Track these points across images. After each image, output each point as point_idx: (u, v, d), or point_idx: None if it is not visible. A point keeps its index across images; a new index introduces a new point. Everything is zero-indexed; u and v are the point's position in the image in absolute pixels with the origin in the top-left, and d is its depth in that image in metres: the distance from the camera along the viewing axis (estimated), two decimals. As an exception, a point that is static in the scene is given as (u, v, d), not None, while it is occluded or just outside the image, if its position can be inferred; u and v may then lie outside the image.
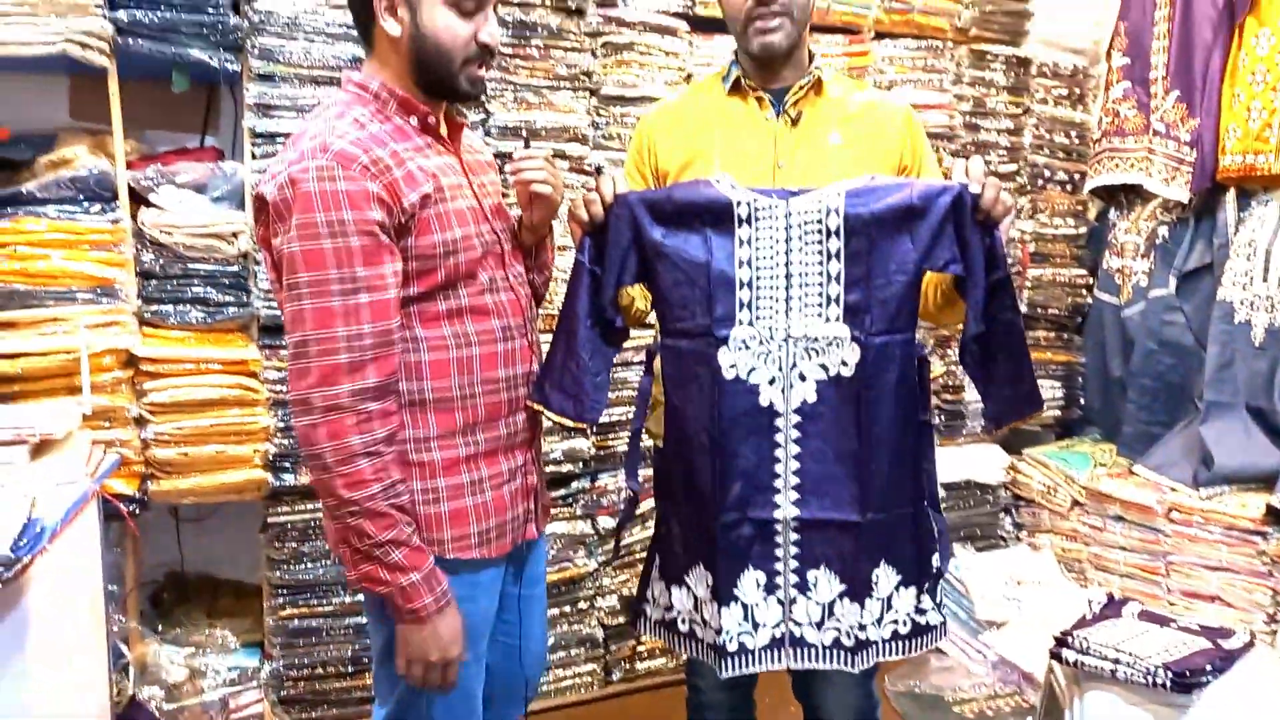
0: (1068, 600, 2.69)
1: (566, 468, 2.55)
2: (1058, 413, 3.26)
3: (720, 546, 1.47)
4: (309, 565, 2.29)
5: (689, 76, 2.66)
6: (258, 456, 2.21)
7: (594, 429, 2.58)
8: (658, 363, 1.56)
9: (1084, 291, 3.23)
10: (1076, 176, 3.21)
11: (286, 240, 1.28)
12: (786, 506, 1.46)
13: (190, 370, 2.15)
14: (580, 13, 2.51)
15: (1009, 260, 2.56)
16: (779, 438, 1.45)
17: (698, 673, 1.83)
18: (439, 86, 1.40)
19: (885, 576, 1.49)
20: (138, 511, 2.13)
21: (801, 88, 1.61)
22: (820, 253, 1.41)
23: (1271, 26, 2.61)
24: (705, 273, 1.42)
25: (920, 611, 1.51)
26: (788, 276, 1.42)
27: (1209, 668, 1.79)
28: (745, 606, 1.48)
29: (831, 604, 1.47)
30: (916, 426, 1.48)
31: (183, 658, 2.27)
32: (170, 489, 2.15)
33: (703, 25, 2.68)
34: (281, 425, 2.24)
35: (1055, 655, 1.91)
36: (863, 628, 1.47)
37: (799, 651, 1.48)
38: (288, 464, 2.25)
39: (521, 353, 1.50)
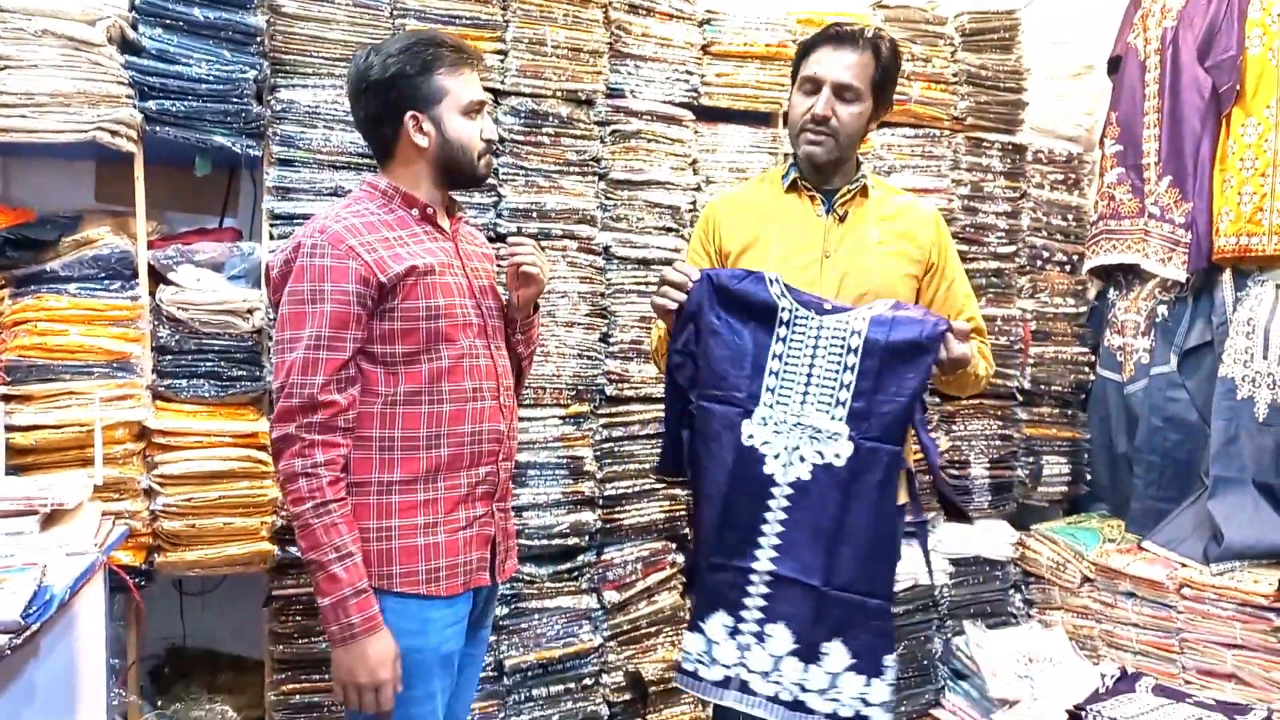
0: (1081, 678, 2.64)
1: (572, 541, 2.55)
2: (1065, 489, 3.25)
3: (704, 583, 1.73)
4: (313, 640, 2.28)
5: (694, 162, 2.76)
6: (264, 529, 2.22)
7: (602, 503, 2.60)
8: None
9: (1086, 369, 3.26)
10: (1075, 257, 3.27)
11: (281, 304, 1.59)
12: (764, 561, 1.70)
13: (201, 443, 2.18)
14: (589, 103, 2.62)
15: (1014, 340, 3.04)
16: (771, 503, 1.70)
17: None
18: (462, 177, 1.72)
19: (837, 654, 1.69)
20: (143, 584, 2.13)
21: (849, 191, 1.88)
22: (839, 364, 1.69)
23: (1258, 116, 2.71)
24: (748, 357, 1.71)
25: (866, 704, 1.68)
26: (809, 376, 1.70)
27: (1228, 745, 1.76)
28: (708, 641, 1.73)
29: (780, 659, 1.69)
30: (891, 527, 1.71)
31: (181, 735, 2.24)
32: (176, 561, 2.16)
33: (707, 114, 2.79)
34: (289, 498, 2.25)
35: (1071, 729, 1.88)
36: (804, 689, 1.68)
37: (744, 697, 1.71)
38: (294, 536, 2.25)
39: (490, 413, 1.70)
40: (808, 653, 1.68)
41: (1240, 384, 2.70)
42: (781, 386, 1.70)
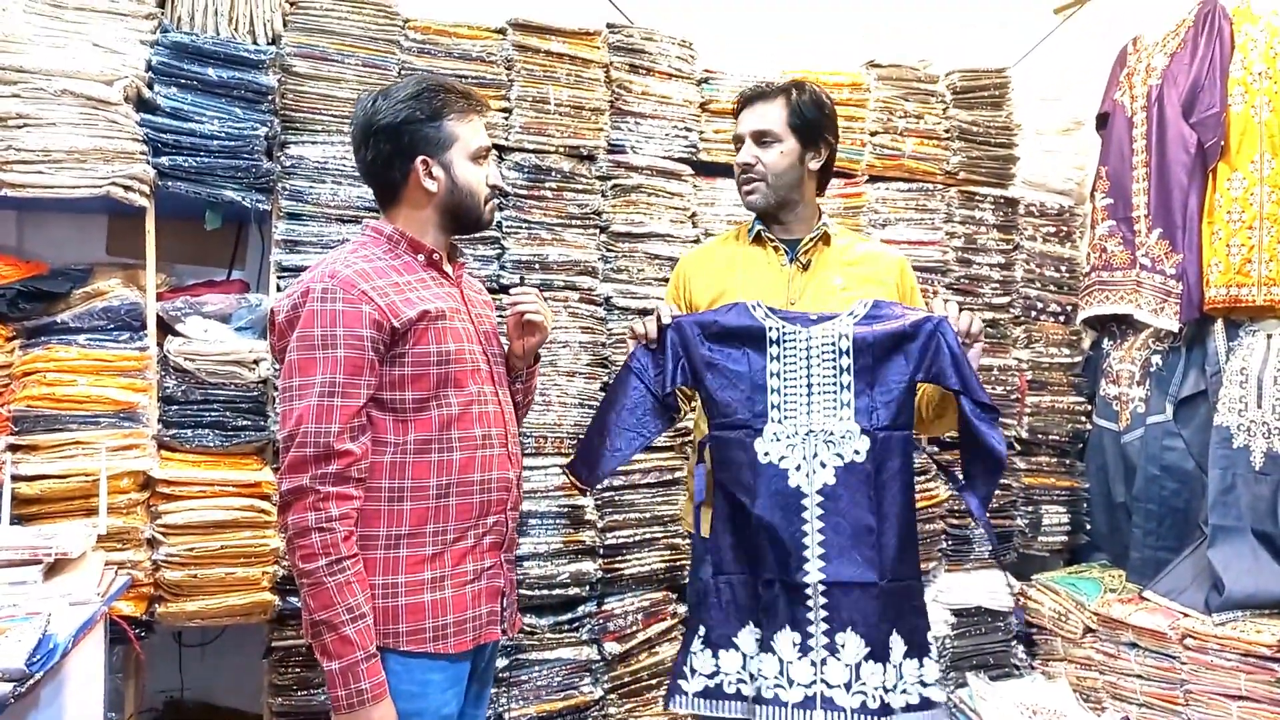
0: (1086, 732, 2.62)
1: (573, 591, 2.54)
2: (1065, 538, 3.25)
3: (763, 605, 1.75)
4: (312, 692, 2.26)
5: (693, 215, 2.82)
6: (266, 579, 2.22)
7: (603, 552, 2.60)
8: (708, 452, 1.86)
9: (1083, 418, 3.28)
10: (1069, 308, 3.31)
11: (290, 350, 1.53)
12: (814, 571, 1.73)
13: (204, 492, 2.19)
14: (591, 158, 2.68)
15: (1011, 390, 3.08)
16: (805, 514, 1.75)
17: None
18: (469, 223, 1.71)
19: (896, 644, 1.74)
20: (143, 635, 2.13)
21: (811, 240, 1.98)
22: (834, 368, 1.78)
23: (1243, 170, 2.76)
24: (746, 380, 1.79)
25: (924, 685, 1.73)
26: (809, 386, 1.78)
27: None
28: (781, 662, 1.73)
29: (858, 666, 1.71)
30: (914, 509, 1.79)
31: (177, 792, 2.21)
32: (178, 611, 2.15)
33: (705, 169, 2.86)
34: (291, 548, 2.25)
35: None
36: (886, 690, 1.70)
37: (830, 714, 1.70)
38: (295, 587, 2.25)
39: (499, 461, 1.67)
40: (881, 652, 1.71)
41: (1236, 433, 2.72)
42: (785, 402, 1.78)
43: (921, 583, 1.80)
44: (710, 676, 1.78)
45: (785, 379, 1.79)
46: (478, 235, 2.24)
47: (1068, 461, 3.29)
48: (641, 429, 1.85)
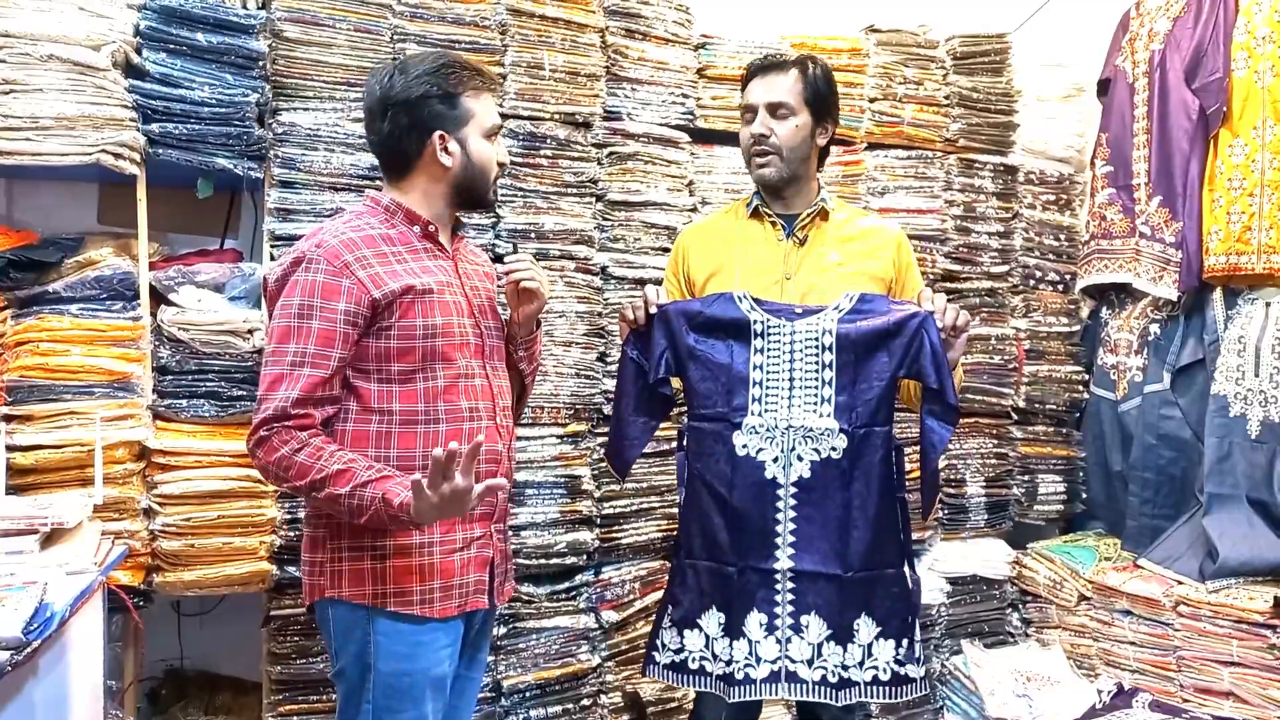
0: (1079, 697, 2.64)
1: (570, 560, 2.55)
2: (1060, 507, 3.26)
3: (731, 591, 1.81)
4: (310, 660, 2.27)
5: (690, 183, 2.79)
6: (263, 548, 2.22)
7: (600, 522, 2.61)
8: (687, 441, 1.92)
9: (1080, 387, 3.28)
10: (1068, 277, 3.30)
11: (274, 317, 1.59)
12: (784, 560, 1.80)
13: (200, 463, 2.19)
14: (587, 125, 2.65)
15: (1008, 359, 3.09)
16: (779, 504, 1.80)
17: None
18: (476, 199, 1.74)
19: (865, 626, 1.81)
20: (142, 604, 2.14)
21: (808, 215, 1.97)
22: (816, 363, 1.80)
23: (1244, 137, 2.74)
24: (727, 373, 1.82)
25: (899, 663, 1.82)
26: (791, 380, 1.80)
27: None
28: (750, 642, 1.81)
29: (820, 645, 1.80)
30: (892, 501, 1.82)
31: (178, 758, 2.23)
32: (175, 581, 2.16)
33: (703, 136, 2.83)
34: (288, 517, 2.26)
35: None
36: (845, 668, 1.80)
37: (793, 686, 1.80)
38: (293, 556, 2.26)
39: (487, 433, 1.67)
40: (843, 634, 1.80)
41: (1233, 401, 2.73)
42: (767, 396, 1.81)
43: (904, 570, 1.85)
44: (677, 653, 1.89)
45: (768, 372, 1.82)
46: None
47: (1064, 430, 3.29)
48: (650, 414, 1.94)
